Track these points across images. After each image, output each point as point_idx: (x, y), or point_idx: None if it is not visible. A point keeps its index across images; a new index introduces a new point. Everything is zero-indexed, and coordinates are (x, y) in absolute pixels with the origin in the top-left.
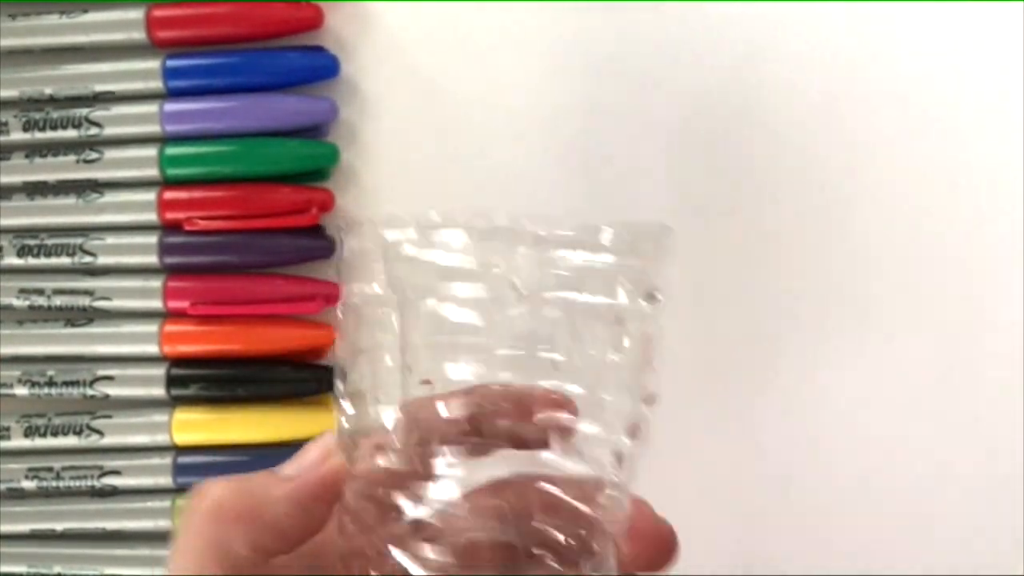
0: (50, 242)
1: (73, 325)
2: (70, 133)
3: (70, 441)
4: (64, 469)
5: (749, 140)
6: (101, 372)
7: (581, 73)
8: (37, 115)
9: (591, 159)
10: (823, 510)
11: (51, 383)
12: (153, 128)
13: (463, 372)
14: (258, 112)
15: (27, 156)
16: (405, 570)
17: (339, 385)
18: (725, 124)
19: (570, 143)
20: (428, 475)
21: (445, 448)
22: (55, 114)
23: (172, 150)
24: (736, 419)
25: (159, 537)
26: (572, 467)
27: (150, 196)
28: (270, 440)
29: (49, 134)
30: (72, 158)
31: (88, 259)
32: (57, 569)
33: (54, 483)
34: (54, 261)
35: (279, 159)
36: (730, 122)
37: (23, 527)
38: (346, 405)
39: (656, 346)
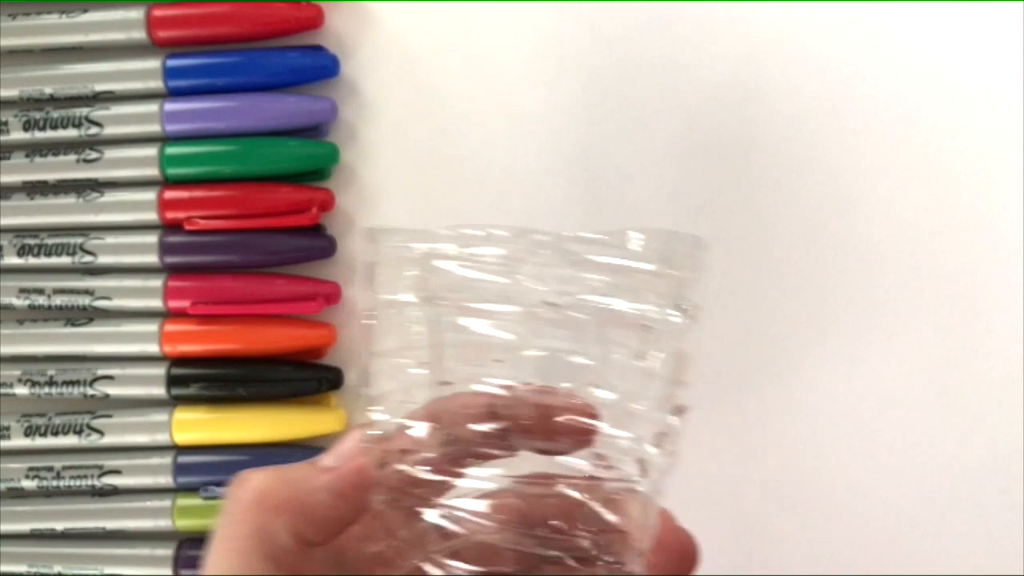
0: (50, 241)
1: (73, 325)
2: (70, 133)
3: (70, 440)
4: (64, 468)
5: (750, 141)
6: (101, 372)
7: (581, 73)
8: (37, 115)
9: (591, 159)
10: (823, 510)
11: (51, 383)
12: (153, 128)
13: (491, 378)
14: (258, 112)
15: (27, 155)
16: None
17: (364, 390)
18: (726, 126)
19: (570, 143)
20: (452, 480)
21: (469, 452)
22: (55, 113)
23: (172, 150)
24: (736, 419)
25: (159, 537)
26: (597, 474)
27: (150, 196)
28: (270, 440)
29: (49, 133)
30: (72, 157)
31: (88, 259)
32: (57, 569)
33: (54, 482)
34: (54, 260)
35: (279, 159)
36: (731, 124)
37: (23, 527)
38: (371, 410)
39: (688, 358)
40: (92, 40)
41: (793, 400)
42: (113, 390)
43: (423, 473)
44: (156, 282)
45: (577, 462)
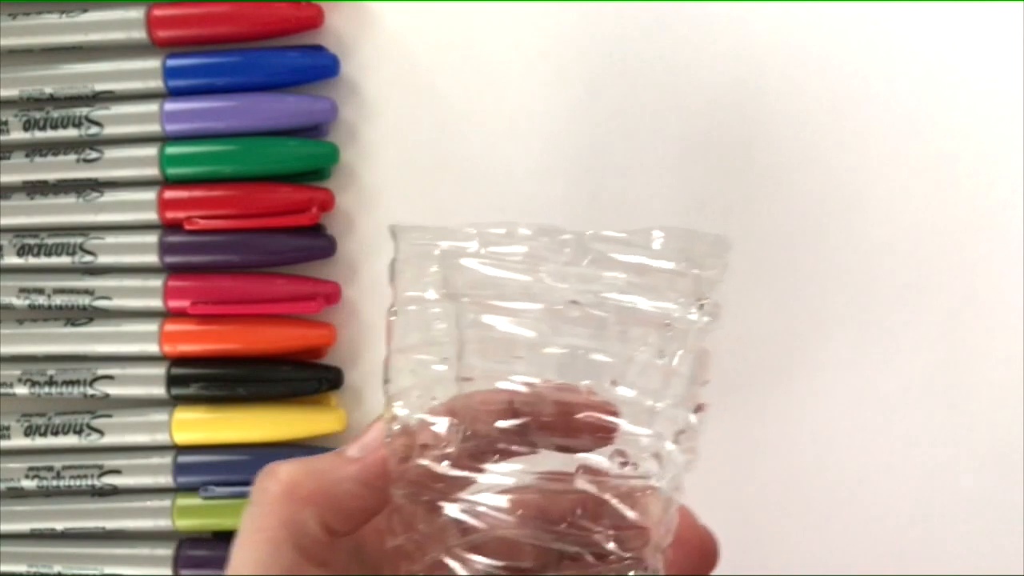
0: (50, 241)
1: (73, 324)
2: (70, 132)
3: (70, 440)
4: (64, 468)
5: (750, 141)
6: (101, 371)
7: (581, 73)
8: (37, 114)
9: (591, 159)
10: (823, 510)
11: (51, 382)
12: (153, 127)
13: (512, 375)
14: (258, 112)
15: (27, 155)
16: (450, 570)
17: (386, 386)
18: (726, 126)
19: (570, 143)
20: (473, 476)
21: (490, 449)
22: (55, 113)
23: (172, 149)
24: (736, 419)
25: (159, 537)
26: (618, 471)
27: (150, 195)
28: (270, 440)
29: (49, 133)
30: (72, 157)
31: (88, 258)
32: (57, 568)
33: (54, 482)
34: (54, 260)
35: (279, 159)
36: (731, 124)
37: (23, 526)
38: (393, 406)
39: (708, 356)
40: (92, 40)
41: (793, 400)
42: (113, 390)
43: (444, 468)
44: (156, 282)
45: (597, 459)
